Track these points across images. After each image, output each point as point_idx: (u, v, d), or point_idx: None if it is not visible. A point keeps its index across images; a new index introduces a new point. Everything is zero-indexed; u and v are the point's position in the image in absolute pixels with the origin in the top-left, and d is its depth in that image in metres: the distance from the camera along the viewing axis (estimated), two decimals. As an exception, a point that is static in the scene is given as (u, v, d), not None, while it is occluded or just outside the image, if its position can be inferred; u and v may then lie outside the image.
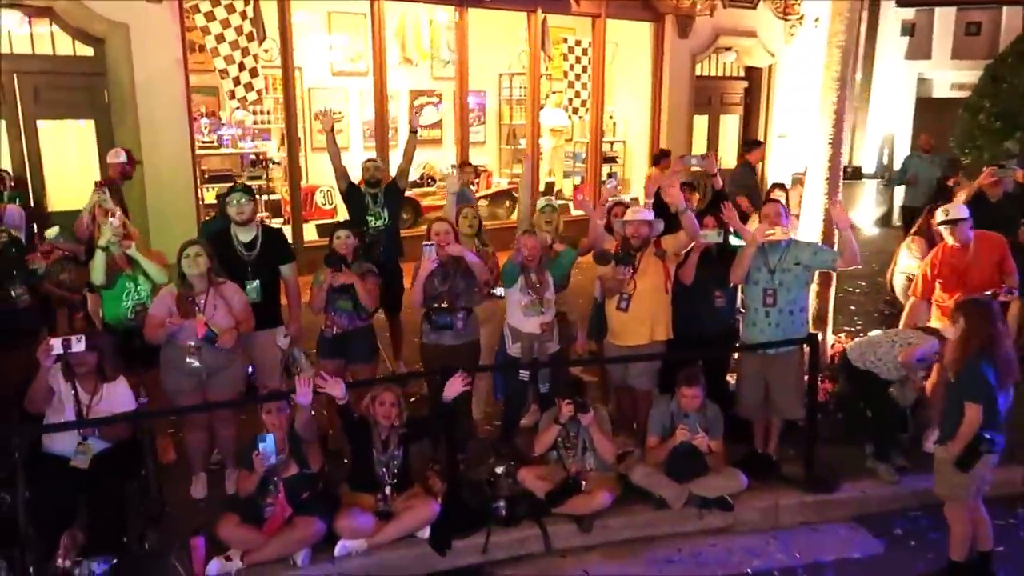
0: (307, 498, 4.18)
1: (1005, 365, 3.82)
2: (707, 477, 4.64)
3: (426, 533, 4.29)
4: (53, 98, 8.39)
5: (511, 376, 4.89)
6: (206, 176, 10.00)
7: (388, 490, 4.32)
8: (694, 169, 5.57)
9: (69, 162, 8.67)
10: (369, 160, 6.42)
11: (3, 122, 8.17)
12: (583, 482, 4.62)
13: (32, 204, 7.36)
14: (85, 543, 3.80)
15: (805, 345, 4.82)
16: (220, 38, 9.36)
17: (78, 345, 3.73)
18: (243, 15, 9.43)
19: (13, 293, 4.39)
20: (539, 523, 4.46)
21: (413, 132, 6.22)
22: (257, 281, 4.90)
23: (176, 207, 8.69)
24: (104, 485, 3.92)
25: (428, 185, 11.82)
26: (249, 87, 9.74)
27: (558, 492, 4.56)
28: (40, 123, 8.36)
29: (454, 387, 4.28)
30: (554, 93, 12.76)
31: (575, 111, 12.56)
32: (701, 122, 13.68)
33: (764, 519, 4.76)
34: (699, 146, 13.50)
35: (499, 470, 4.69)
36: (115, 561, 3.82)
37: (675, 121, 12.81)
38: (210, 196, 9.68)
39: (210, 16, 9.24)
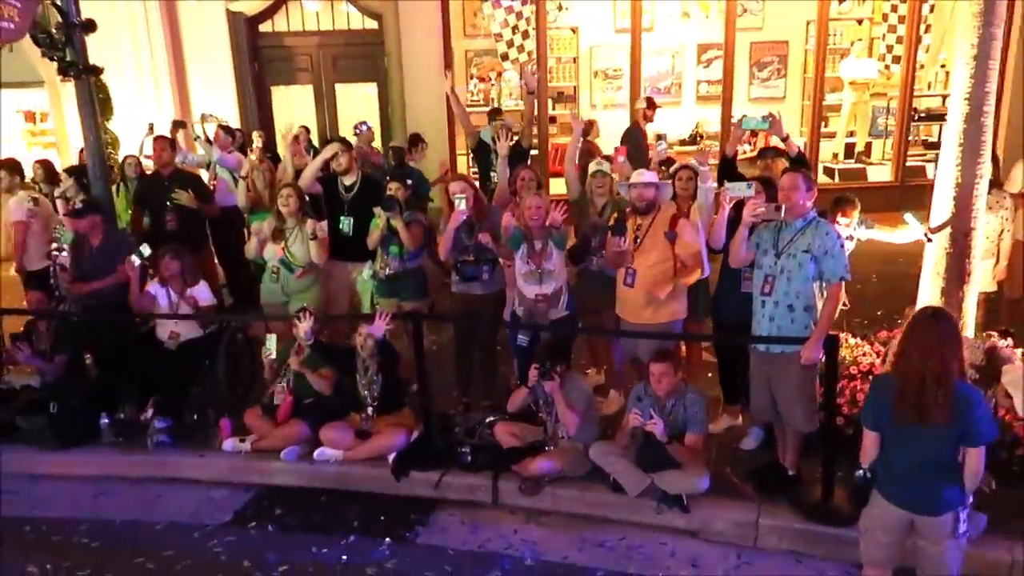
0: (309, 403, 4.98)
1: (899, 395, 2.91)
2: (671, 471, 4.23)
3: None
4: (347, 66, 10.30)
5: (514, 336, 4.98)
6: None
7: (370, 411, 4.89)
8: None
9: (356, 118, 10.50)
10: (498, 119, 6.76)
11: (311, 87, 10.34)
12: (549, 447, 4.61)
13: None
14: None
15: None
16: (496, 3, 10.30)
17: (146, 250, 5.02)
18: None
19: (167, 217, 5.94)
20: (493, 475, 4.60)
21: (530, 93, 6.37)
22: (351, 218, 5.76)
23: (432, 160, 9.97)
24: (175, 365, 5.22)
25: (694, 144, 11.39)
26: (521, 49, 10.56)
27: (521, 451, 4.63)
28: (338, 87, 10.34)
29: (377, 327, 4.66)
30: (859, 40, 11.12)
31: (895, 60, 10.84)
32: (1079, 68, 10.62)
33: (740, 534, 4.16)
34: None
35: (489, 419, 4.91)
36: (173, 422, 5.13)
37: (1029, 68, 10.21)
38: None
39: (488, -13, 10.21)
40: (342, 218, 5.76)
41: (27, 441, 5.18)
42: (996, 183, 5.30)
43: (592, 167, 5.30)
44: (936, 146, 11.26)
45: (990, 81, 4.34)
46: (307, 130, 9.52)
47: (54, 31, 5.08)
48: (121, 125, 9.02)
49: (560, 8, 11.24)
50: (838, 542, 3.99)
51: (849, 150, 11.50)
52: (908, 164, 10.65)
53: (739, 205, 4.13)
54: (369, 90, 10.38)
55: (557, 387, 4.44)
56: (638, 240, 4.53)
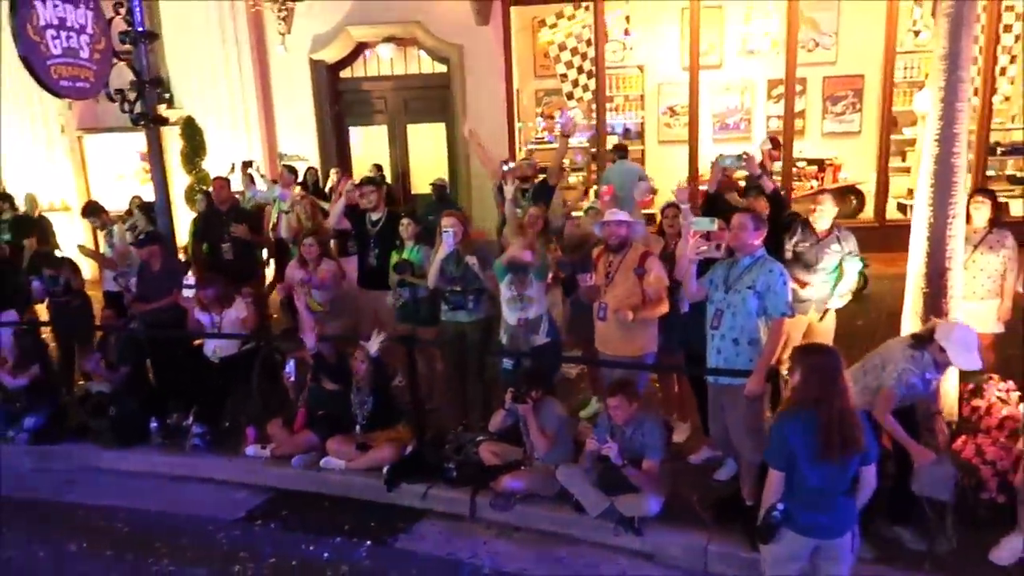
0: (321, 415, 5.53)
1: (826, 434, 3.01)
2: (628, 495, 4.45)
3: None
4: (418, 107, 11.06)
5: (500, 362, 5.34)
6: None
7: (358, 428, 5.38)
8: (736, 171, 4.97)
9: (426, 156, 11.24)
10: (523, 159, 7.18)
11: (385, 127, 11.15)
12: (525, 466, 4.93)
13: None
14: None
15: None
16: (562, 46, 10.87)
17: (190, 280, 5.76)
18: (583, 23, 10.71)
19: (223, 247, 6.71)
20: (473, 491, 4.96)
21: (564, 136, 6.74)
22: (377, 250, 6.33)
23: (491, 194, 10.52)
24: (216, 378, 5.91)
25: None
26: (585, 88, 11.05)
27: (501, 468, 4.97)
28: (409, 126, 11.10)
29: (371, 343, 5.14)
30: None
31: (974, 93, 10.50)
32: None
33: (691, 559, 4.32)
34: None
35: (478, 439, 5.29)
36: (208, 428, 5.81)
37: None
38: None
39: (555, 27, 10.81)
40: (370, 250, 6.35)
41: (94, 439, 6.00)
42: (996, 222, 5.22)
43: (586, 204, 5.63)
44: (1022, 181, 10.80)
45: (958, 123, 4.38)
46: (379, 168, 10.34)
47: (127, 87, 5.96)
48: (213, 164, 10.09)
49: (624, 47, 11.60)
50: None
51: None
52: (987, 199, 10.21)
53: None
54: (438, 129, 11.06)
55: (530, 410, 4.77)
56: (610, 276, 4.82)
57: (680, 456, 5.15)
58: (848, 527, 3.11)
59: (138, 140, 11.14)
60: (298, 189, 6.83)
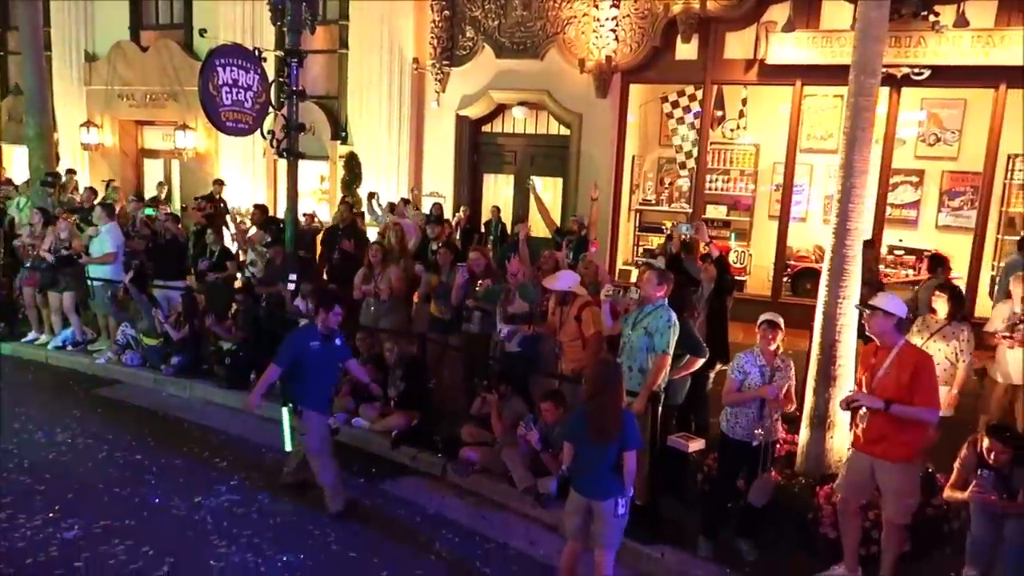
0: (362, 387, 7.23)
1: (590, 421, 4.22)
2: (545, 477, 5.70)
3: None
4: (541, 162, 12.72)
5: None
6: (641, 225, 12.84)
7: (392, 403, 6.99)
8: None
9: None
10: (572, 216, 8.60)
11: (512, 177, 12.92)
12: (491, 446, 6.30)
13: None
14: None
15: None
16: (680, 120, 12.14)
17: (293, 278, 7.73)
18: (701, 103, 11.93)
19: (334, 255, 8.71)
20: (446, 459, 6.41)
21: (594, 200, 8.08)
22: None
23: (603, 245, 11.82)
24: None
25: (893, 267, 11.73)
26: (697, 159, 12.19)
27: (469, 445, 6.38)
28: (532, 178, 12.73)
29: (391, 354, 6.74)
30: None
31: None
32: None
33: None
34: None
35: (468, 424, 6.73)
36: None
37: None
38: (656, 241, 12.49)
39: (675, 104, 12.12)
40: None
41: (214, 381, 8.15)
42: (955, 316, 5.90)
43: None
44: None
45: (851, 221, 5.24)
46: (498, 209, 12.10)
47: (277, 130, 8.16)
48: (365, 191, 12.39)
49: (739, 127, 12.54)
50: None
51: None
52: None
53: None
54: (557, 183, 12.64)
55: (493, 401, 6.17)
56: (561, 321, 6.14)
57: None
58: (612, 495, 4.21)
59: (317, 166, 13.88)
60: (412, 217, 8.82)
